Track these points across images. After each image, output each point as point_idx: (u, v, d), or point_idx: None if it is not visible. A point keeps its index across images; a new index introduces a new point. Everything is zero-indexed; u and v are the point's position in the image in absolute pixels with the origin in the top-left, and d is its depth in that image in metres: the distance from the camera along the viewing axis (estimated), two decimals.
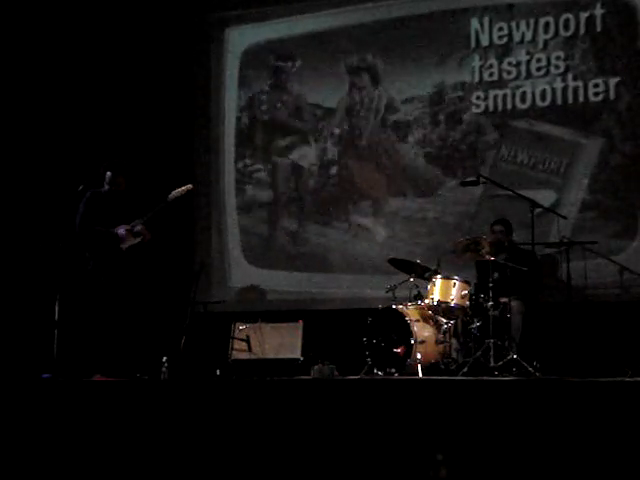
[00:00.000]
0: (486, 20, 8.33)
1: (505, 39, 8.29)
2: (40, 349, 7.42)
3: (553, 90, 8.10)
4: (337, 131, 8.86)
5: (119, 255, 6.95)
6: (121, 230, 6.96)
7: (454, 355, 7.00)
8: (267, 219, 9.02)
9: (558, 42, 8.10)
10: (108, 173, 7.08)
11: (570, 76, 8.05)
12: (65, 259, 7.45)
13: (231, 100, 9.22)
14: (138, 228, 7.00)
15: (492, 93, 8.30)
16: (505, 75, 8.27)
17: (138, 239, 7.01)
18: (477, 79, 8.37)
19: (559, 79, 8.09)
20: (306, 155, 8.95)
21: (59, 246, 7.35)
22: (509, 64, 8.26)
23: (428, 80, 8.52)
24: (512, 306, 6.99)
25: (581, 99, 8.02)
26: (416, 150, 8.58)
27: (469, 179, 7.39)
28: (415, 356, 6.81)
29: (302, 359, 7.72)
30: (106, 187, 7.09)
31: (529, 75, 8.19)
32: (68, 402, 5.54)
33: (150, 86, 8.99)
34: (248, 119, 9.17)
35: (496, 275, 7.00)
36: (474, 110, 8.37)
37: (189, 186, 7.27)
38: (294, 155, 8.99)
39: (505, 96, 8.27)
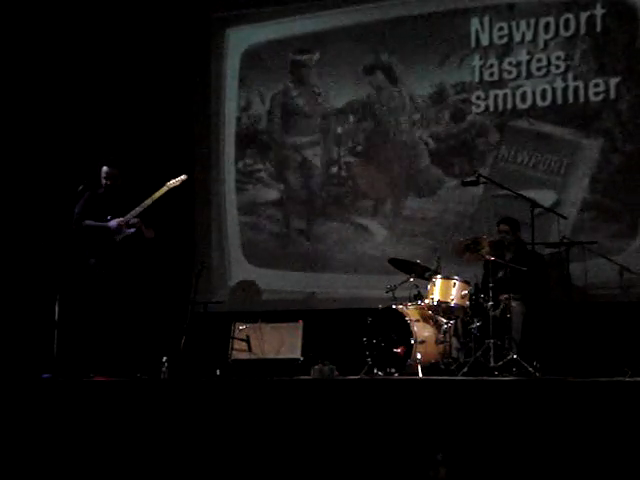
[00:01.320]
0: (486, 20, 8.33)
1: (505, 39, 8.29)
2: (40, 349, 7.42)
3: (553, 90, 8.10)
4: (340, 131, 8.85)
5: (114, 247, 6.99)
6: (113, 222, 7.03)
7: (454, 355, 6.99)
8: (267, 219, 9.01)
9: (558, 42, 8.10)
10: (104, 168, 7.17)
11: (570, 76, 8.05)
12: (65, 258, 7.46)
13: (231, 100, 9.22)
14: (133, 221, 7.06)
15: (492, 93, 8.30)
16: (505, 75, 8.27)
17: (132, 230, 7.06)
18: (477, 79, 8.36)
19: (559, 79, 8.08)
20: (307, 155, 8.94)
21: (57, 246, 7.38)
22: (509, 64, 8.26)
23: (429, 80, 8.52)
24: (512, 307, 6.99)
25: (581, 99, 8.02)
26: (417, 150, 8.57)
27: (469, 179, 7.38)
28: (415, 356, 6.81)
29: (302, 359, 7.71)
30: (103, 183, 7.18)
31: (529, 75, 8.19)
32: (68, 402, 5.54)
33: (150, 86, 8.98)
34: (248, 119, 9.17)
35: (501, 274, 7.01)
36: (475, 110, 8.37)
37: (183, 177, 7.36)
38: (296, 155, 8.99)
39: (505, 96, 8.27)
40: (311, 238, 8.85)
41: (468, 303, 7.03)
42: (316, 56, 8.93)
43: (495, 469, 4.49)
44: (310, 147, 8.94)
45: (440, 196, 8.42)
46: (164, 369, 7.18)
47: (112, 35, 8.92)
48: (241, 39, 9.22)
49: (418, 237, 8.43)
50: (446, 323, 7.01)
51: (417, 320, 6.98)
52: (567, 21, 8.06)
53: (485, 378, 6.29)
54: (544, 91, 8.12)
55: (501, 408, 4.73)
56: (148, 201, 7.12)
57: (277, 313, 8.31)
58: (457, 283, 7.08)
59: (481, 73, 8.34)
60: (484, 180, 7.26)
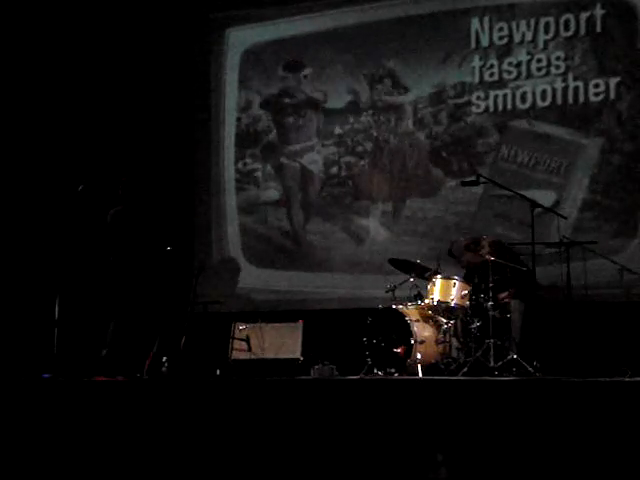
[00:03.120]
0: (486, 20, 8.33)
1: (505, 39, 8.29)
2: (40, 349, 7.42)
3: (553, 90, 8.10)
4: (339, 131, 8.85)
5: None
6: None
7: (454, 355, 7.00)
8: (267, 219, 9.01)
9: (558, 42, 8.10)
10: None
11: (570, 76, 8.05)
12: (65, 258, 7.46)
13: (231, 100, 9.22)
14: None
15: (493, 93, 8.30)
16: (505, 75, 8.27)
17: None
18: (477, 79, 8.36)
19: (559, 79, 8.09)
20: (307, 155, 8.94)
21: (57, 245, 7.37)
22: (509, 64, 8.26)
23: (429, 80, 8.52)
24: (511, 305, 7.00)
25: (581, 99, 8.02)
26: (417, 150, 8.57)
27: (469, 179, 7.39)
28: (415, 356, 6.81)
29: (302, 359, 7.72)
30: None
31: (529, 75, 8.19)
32: (68, 402, 5.54)
33: (150, 86, 8.98)
34: (247, 119, 9.16)
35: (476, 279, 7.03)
36: (474, 110, 8.37)
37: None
38: (295, 155, 8.98)
39: (506, 96, 8.27)
40: (311, 238, 8.85)
41: (468, 303, 7.04)
42: (299, 63, 8.92)
43: (495, 469, 4.49)
44: (309, 147, 8.93)
45: (440, 196, 8.43)
46: (164, 369, 7.18)
47: (112, 35, 8.92)
48: (241, 39, 9.22)
49: (418, 237, 8.43)
50: (446, 323, 7.01)
51: (417, 320, 6.98)
52: (567, 21, 8.07)
53: (485, 378, 6.29)
54: (544, 91, 8.12)
55: (501, 408, 4.73)
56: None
57: (277, 313, 8.31)
58: (457, 283, 7.08)
59: (481, 73, 8.34)
60: (484, 180, 7.26)
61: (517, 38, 8.24)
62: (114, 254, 7.01)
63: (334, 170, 8.85)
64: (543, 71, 8.14)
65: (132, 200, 7.11)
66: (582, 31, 8.01)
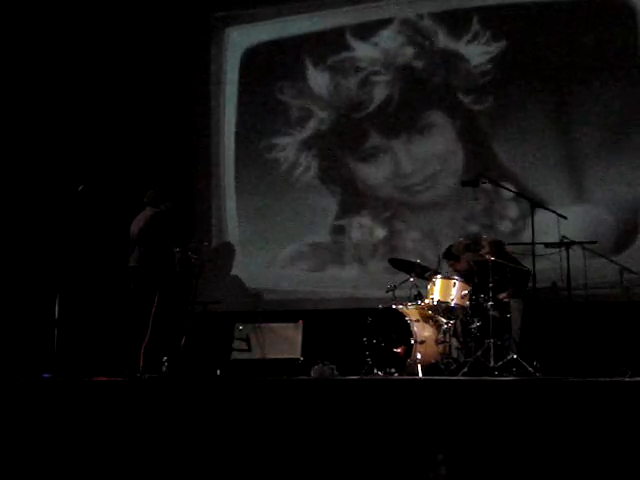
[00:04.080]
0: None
1: None
2: (40, 348, 7.42)
3: None
4: (339, 131, 8.83)
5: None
6: None
7: (454, 355, 7.00)
8: (267, 219, 9.00)
9: None
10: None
11: None
12: (65, 258, 7.46)
13: (231, 99, 9.20)
14: None
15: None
16: None
17: None
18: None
19: None
20: (306, 155, 8.93)
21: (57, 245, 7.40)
22: None
23: (429, 81, 8.55)
24: (511, 305, 7.01)
25: None
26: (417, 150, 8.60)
27: (469, 179, 7.39)
28: (415, 356, 6.82)
29: (302, 359, 7.72)
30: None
31: None
32: (68, 402, 5.54)
33: (150, 86, 8.98)
34: (248, 118, 9.15)
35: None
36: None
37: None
38: (294, 154, 8.97)
39: None
40: (311, 238, 8.84)
41: (468, 303, 7.04)
42: (299, 63, 8.90)
43: (495, 469, 4.49)
44: (309, 146, 8.92)
45: (440, 195, 8.43)
46: (164, 369, 7.18)
47: (111, 37, 8.92)
48: (241, 39, 9.21)
49: (418, 237, 8.43)
50: (446, 323, 7.01)
51: (417, 320, 6.98)
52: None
53: (485, 378, 6.30)
54: None
55: (501, 408, 4.74)
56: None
57: (277, 313, 8.31)
58: (457, 283, 7.08)
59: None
60: (484, 180, 7.26)
61: None
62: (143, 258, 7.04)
63: (334, 170, 8.83)
64: None
65: (160, 207, 7.15)
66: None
